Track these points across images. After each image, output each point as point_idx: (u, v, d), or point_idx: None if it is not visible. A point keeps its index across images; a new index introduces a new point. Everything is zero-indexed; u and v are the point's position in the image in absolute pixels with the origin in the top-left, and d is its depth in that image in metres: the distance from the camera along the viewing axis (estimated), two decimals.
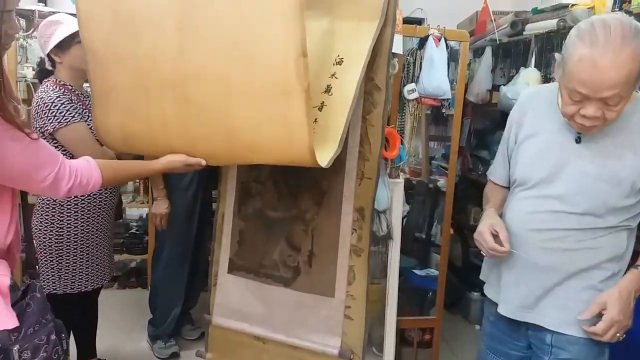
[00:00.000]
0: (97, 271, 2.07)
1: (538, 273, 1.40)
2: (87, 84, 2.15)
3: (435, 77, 2.02)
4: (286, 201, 1.88)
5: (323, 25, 1.67)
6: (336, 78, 1.61)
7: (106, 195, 2.08)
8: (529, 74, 2.55)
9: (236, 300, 1.99)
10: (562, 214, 1.36)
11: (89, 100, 2.10)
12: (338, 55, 1.63)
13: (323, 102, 1.60)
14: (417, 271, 2.85)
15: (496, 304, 1.53)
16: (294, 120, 1.36)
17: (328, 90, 1.60)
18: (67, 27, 1.92)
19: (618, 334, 1.30)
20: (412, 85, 1.96)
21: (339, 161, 1.77)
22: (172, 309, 2.77)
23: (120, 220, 3.67)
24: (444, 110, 2.26)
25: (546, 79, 2.51)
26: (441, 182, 2.99)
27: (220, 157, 1.59)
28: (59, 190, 1.30)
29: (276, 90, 1.35)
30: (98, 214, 2.05)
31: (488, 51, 2.93)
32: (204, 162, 1.58)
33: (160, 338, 2.81)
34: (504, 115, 3.20)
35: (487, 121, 3.39)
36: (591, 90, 1.19)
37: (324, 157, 1.46)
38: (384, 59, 1.68)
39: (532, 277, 1.41)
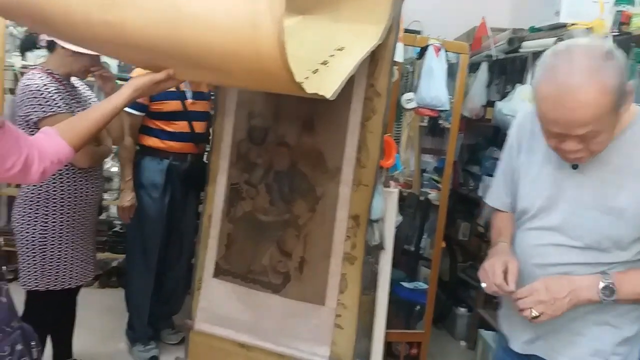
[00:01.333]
0: (81, 268, 1.99)
1: None
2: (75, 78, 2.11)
3: (434, 87, 2.00)
4: (279, 205, 1.83)
5: (325, 22, 1.63)
6: (333, 56, 1.54)
7: (92, 189, 2.00)
8: (524, 91, 2.55)
9: (221, 306, 1.92)
10: (564, 247, 1.25)
11: (77, 92, 2.04)
12: (339, 45, 1.58)
13: (317, 69, 1.48)
14: (405, 284, 2.81)
15: (507, 339, 1.44)
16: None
17: (324, 63, 1.51)
18: None
19: (532, 309, 1.17)
20: (410, 95, 1.93)
21: (335, 167, 1.73)
22: (145, 312, 2.70)
23: (104, 218, 3.58)
24: (440, 122, 2.24)
25: None
26: (432, 195, 2.97)
27: (162, 51, 1.23)
28: (30, 176, 1.20)
29: None
30: (84, 208, 1.98)
31: (484, 66, 2.94)
32: (172, 71, 1.34)
33: (138, 341, 2.72)
34: (497, 131, 3.21)
35: (480, 137, 3.39)
36: (563, 128, 1.10)
37: (329, 89, 1.36)
38: (386, 64, 1.65)
39: None
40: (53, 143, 1.26)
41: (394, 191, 1.91)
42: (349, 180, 1.73)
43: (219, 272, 1.92)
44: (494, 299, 3.20)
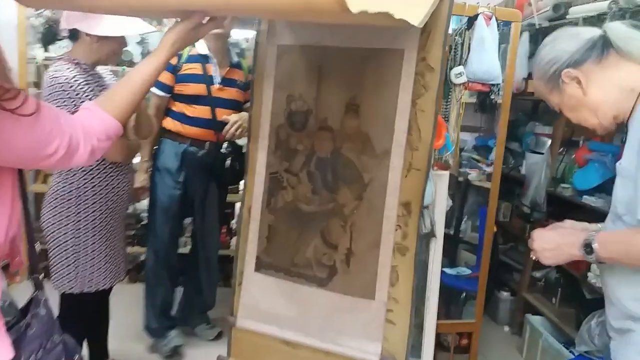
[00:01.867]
0: (115, 266, 1.90)
1: None
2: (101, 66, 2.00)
3: (485, 59, 1.84)
4: (322, 194, 1.70)
5: None
6: None
7: (123, 183, 1.90)
8: None
9: (264, 301, 1.82)
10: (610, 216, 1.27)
11: (104, 82, 1.93)
12: None
13: None
14: (446, 269, 2.68)
15: None
16: None
17: None
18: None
19: (537, 252, 1.28)
20: (460, 68, 1.78)
21: (383, 150, 1.60)
22: (157, 302, 2.65)
23: (130, 211, 3.51)
24: (493, 97, 2.08)
25: None
26: (472, 175, 2.82)
27: None
28: (76, 158, 1.07)
29: None
30: (116, 204, 1.88)
31: (525, 36, 2.75)
32: (203, 13, 1.24)
33: (156, 335, 2.67)
34: (537, 104, 3.02)
35: (520, 112, 3.21)
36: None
37: (416, 15, 1.20)
38: (439, 36, 1.50)
39: None
40: (97, 119, 1.13)
41: (444, 174, 1.77)
42: (399, 165, 1.59)
43: (260, 266, 1.82)
44: (538, 282, 3.06)
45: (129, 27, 1.69)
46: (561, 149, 2.78)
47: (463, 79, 1.82)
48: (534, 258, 1.32)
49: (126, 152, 1.85)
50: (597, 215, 2.47)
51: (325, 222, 1.71)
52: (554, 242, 1.23)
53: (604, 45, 1.13)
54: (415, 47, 1.53)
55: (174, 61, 2.58)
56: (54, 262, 1.77)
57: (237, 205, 3.77)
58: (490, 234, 2.08)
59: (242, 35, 3.61)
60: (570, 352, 2.34)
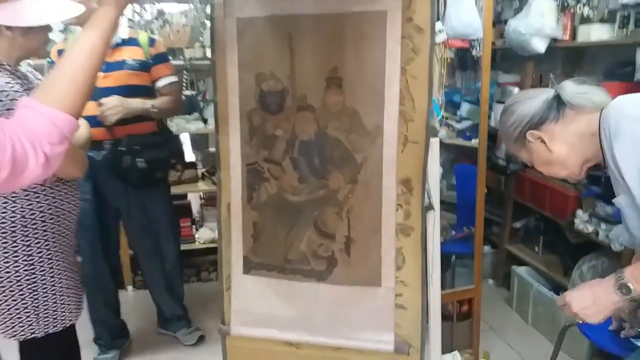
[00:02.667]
0: (78, 292, 1.65)
1: None
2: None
3: (464, 13, 1.70)
4: (310, 181, 1.53)
5: None
6: None
7: (73, 202, 1.58)
8: (542, 2, 2.27)
9: (259, 304, 1.66)
10: None
11: (29, 81, 1.59)
12: None
13: None
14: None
15: None
16: None
17: None
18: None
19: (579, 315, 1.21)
20: (439, 25, 1.63)
21: (375, 126, 1.44)
22: (96, 317, 2.44)
23: None
24: (474, 53, 1.96)
25: (563, 7, 2.24)
26: (442, 133, 2.71)
27: None
28: (29, 175, 0.85)
29: None
30: (67, 227, 1.57)
31: None
32: None
33: (100, 347, 2.48)
34: (510, 55, 2.91)
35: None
36: None
37: None
38: None
39: None
40: (44, 117, 0.88)
41: (434, 141, 1.63)
42: (394, 140, 1.44)
43: (249, 267, 1.64)
44: (517, 232, 3.06)
45: (57, 10, 1.36)
46: None
47: (443, 36, 1.67)
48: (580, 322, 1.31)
49: (82, 162, 1.55)
50: None
51: (317, 211, 1.54)
52: (589, 299, 1.18)
53: (559, 105, 1.19)
54: (399, 7, 1.36)
55: (54, 56, 2.25)
56: (7, 305, 1.47)
57: (191, 195, 3.55)
58: (482, 191, 1.99)
59: (176, 8, 3.26)
60: None
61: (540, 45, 2.33)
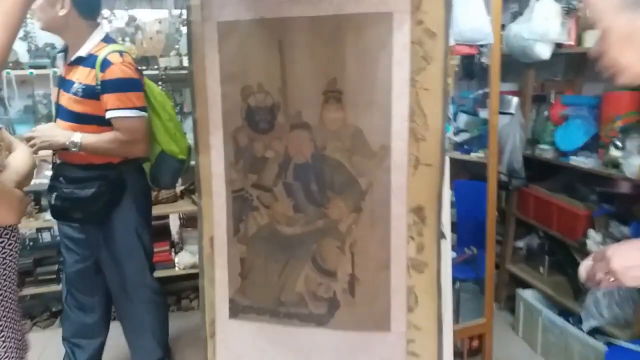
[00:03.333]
0: (22, 340, 1.37)
1: None
2: None
3: (473, 16, 1.52)
4: (307, 211, 1.32)
5: None
6: None
7: (14, 246, 1.30)
8: (546, 6, 2.11)
9: (249, 354, 1.43)
10: None
11: None
12: None
13: None
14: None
15: None
16: None
17: None
18: None
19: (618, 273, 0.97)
20: None
21: (381, 146, 1.24)
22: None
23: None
24: (483, 60, 1.79)
25: (568, 10, 2.08)
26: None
27: None
28: None
29: None
30: (8, 272, 1.29)
31: None
32: None
33: None
34: (508, 62, 2.75)
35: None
36: None
37: None
38: None
39: None
40: None
41: (445, 160, 1.44)
42: (403, 162, 1.24)
43: (237, 311, 1.42)
44: (520, 251, 2.88)
45: None
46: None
47: (450, 42, 1.48)
48: (603, 286, 1.01)
49: (23, 209, 1.25)
50: (586, 178, 2.29)
51: (316, 245, 1.33)
52: (638, 258, 0.97)
53: None
54: (408, 8, 1.17)
55: None
56: None
57: (172, 217, 3.29)
58: (493, 211, 1.80)
59: (149, 15, 3.01)
60: (579, 328, 2.16)
61: (544, 51, 2.17)
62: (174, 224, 3.37)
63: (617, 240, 2.04)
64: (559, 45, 2.23)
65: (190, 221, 3.14)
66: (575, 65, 2.48)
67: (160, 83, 2.94)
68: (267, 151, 1.31)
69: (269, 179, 1.32)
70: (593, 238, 2.14)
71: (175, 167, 2.01)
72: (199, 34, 1.32)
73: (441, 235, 1.45)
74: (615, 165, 1.98)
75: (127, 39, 2.77)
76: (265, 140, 1.31)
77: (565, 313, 2.40)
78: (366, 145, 1.25)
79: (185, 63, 2.76)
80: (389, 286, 1.31)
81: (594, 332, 2.14)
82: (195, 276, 2.97)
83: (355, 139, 1.25)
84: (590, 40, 2.13)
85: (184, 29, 2.74)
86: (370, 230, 1.29)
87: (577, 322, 2.26)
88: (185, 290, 3.20)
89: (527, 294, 2.57)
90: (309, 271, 1.35)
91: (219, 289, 1.42)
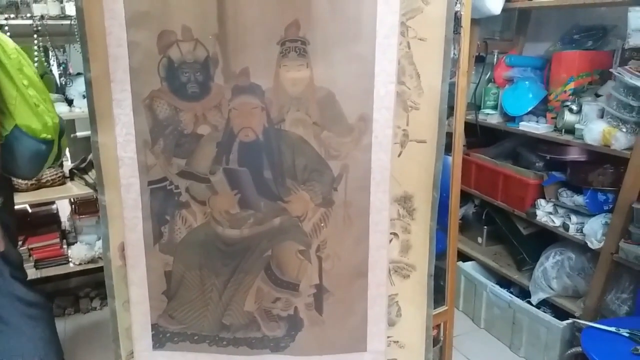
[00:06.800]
0: None
1: None
2: None
3: None
4: (258, 205, 0.97)
5: None
6: None
7: None
8: None
9: None
10: None
11: None
12: None
13: None
14: None
15: None
16: None
17: None
18: None
19: None
20: None
21: (360, 118, 0.93)
22: None
23: None
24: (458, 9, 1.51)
25: None
26: None
27: None
28: None
29: None
30: None
31: None
32: None
33: None
34: None
35: None
36: None
37: None
38: None
39: None
40: None
41: None
42: (388, 137, 0.93)
43: (164, 340, 1.05)
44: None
45: None
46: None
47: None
48: None
49: None
50: (530, 144, 2.16)
51: (270, 250, 1.00)
52: None
53: None
54: None
55: None
56: None
57: (59, 202, 2.71)
58: (458, 190, 1.58)
59: None
60: (528, 302, 2.06)
61: (495, 5, 1.96)
62: (63, 211, 2.80)
63: (569, 209, 1.94)
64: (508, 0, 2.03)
65: (84, 206, 2.61)
66: (518, 23, 2.31)
67: (35, 37, 2.32)
68: (199, 126, 0.93)
69: (204, 165, 0.95)
70: (543, 208, 2.02)
71: (34, 150, 1.46)
72: None
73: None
74: (570, 130, 1.85)
75: None
76: (196, 110, 0.93)
77: (505, 284, 2.31)
78: (340, 116, 0.92)
79: (69, 11, 2.19)
80: (365, 297, 1.03)
81: (542, 304, 2.07)
82: (94, 271, 2.50)
83: (325, 107, 0.92)
84: None
85: None
86: (343, 228, 0.98)
87: (519, 294, 2.18)
88: (82, 287, 2.70)
89: (467, 266, 2.44)
90: (261, 284, 1.02)
91: (136, 313, 1.04)
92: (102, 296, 2.62)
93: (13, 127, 1.40)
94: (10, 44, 1.45)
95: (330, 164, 0.94)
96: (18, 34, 2.17)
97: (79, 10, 0.91)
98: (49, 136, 1.44)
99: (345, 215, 0.97)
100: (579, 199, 1.91)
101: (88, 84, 0.94)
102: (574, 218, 1.92)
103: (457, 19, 1.57)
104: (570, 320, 1.82)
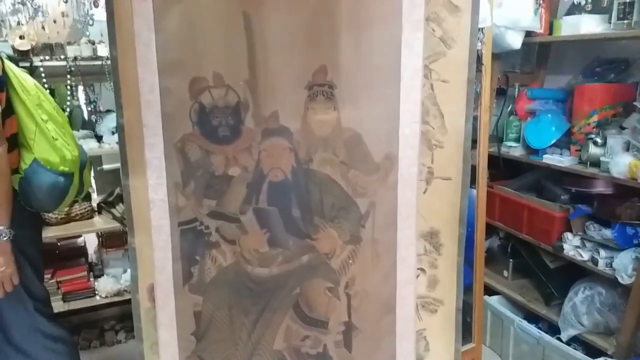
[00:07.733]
0: None
1: None
2: None
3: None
4: (288, 244, 0.99)
5: None
6: None
7: None
8: None
9: None
10: None
11: None
12: None
13: None
14: None
15: None
16: None
17: None
18: None
19: None
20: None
21: (386, 157, 0.94)
22: None
23: None
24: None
25: None
26: None
27: None
28: None
29: None
30: None
31: None
32: None
33: None
34: None
35: None
36: None
37: None
38: None
39: None
40: None
41: None
42: (413, 175, 0.95)
43: None
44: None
45: None
46: None
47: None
48: None
49: None
50: (554, 177, 2.14)
51: (299, 287, 1.01)
52: None
53: None
54: None
55: None
56: None
57: (85, 236, 2.75)
58: (483, 224, 1.57)
59: None
60: (557, 338, 2.01)
61: (515, 40, 1.98)
62: (90, 244, 2.86)
63: (597, 243, 1.90)
64: (529, 35, 2.05)
65: (111, 240, 2.66)
66: (538, 56, 2.33)
67: (68, 77, 2.43)
68: (230, 167, 0.96)
69: (234, 205, 0.98)
70: (570, 241, 1.99)
71: (51, 183, 1.48)
72: (122, 5, 0.94)
73: None
74: (595, 163, 1.84)
75: (21, 19, 2.24)
76: (227, 153, 0.96)
77: (532, 319, 2.25)
78: (366, 156, 0.94)
79: (101, 52, 2.28)
80: (393, 332, 1.02)
81: (573, 341, 2.01)
82: (120, 303, 2.53)
83: (352, 147, 0.94)
84: (564, 28, 1.96)
85: (96, 12, 2.25)
86: (370, 265, 0.99)
87: (548, 329, 2.12)
88: (108, 320, 2.73)
89: (493, 300, 2.40)
90: (290, 322, 1.02)
91: (164, 354, 1.05)
92: (127, 329, 2.63)
93: (32, 161, 1.44)
94: (29, 80, 1.50)
95: (357, 202, 0.96)
96: (51, 74, 2.28)
97: (113, 58, 0.96)
98: (67, 169, 1.47)
99: (373, 251, 0.98)
100: (607, 233, 1.88)
101: (120, 128, 0.98)
102: (602, 252, 1.89)
103: (478, 57, 1.59)
104: (602, 359, 1.77)
